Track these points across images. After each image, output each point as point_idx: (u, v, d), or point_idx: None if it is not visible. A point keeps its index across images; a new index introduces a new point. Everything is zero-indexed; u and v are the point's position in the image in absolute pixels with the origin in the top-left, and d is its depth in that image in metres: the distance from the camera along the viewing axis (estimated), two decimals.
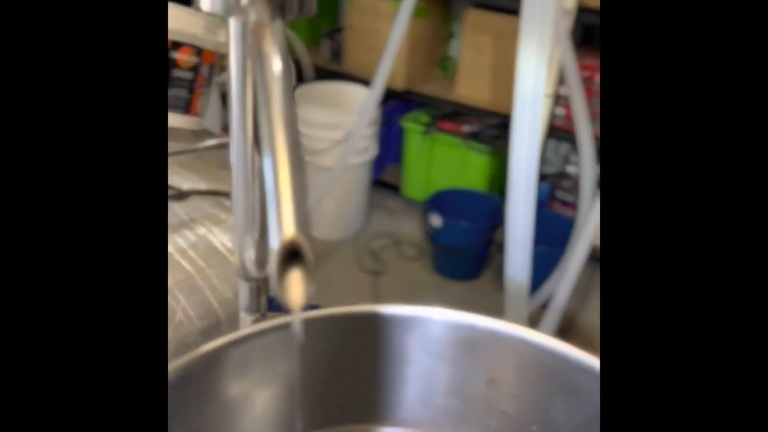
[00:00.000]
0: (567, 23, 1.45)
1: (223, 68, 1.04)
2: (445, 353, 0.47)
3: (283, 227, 0.32)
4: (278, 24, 0.38)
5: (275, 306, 0.51)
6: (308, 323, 0.41)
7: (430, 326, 0.47)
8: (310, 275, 0.33)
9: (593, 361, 0.44)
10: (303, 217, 0.32)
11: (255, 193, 0.53)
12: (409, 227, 1.99)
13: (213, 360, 0.43)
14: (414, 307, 0.47)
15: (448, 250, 1.81)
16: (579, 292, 1.44)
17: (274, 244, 0.32)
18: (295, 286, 0.33)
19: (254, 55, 0.40)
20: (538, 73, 1.27)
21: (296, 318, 0.39)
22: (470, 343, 0.46)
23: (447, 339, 0.47)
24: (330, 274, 1.81)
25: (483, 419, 0.48)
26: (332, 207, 1.90)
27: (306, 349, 0.42)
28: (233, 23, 0.44)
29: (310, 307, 0.50)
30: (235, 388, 0.46)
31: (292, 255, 0.32)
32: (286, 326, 0.45)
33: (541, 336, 0.44)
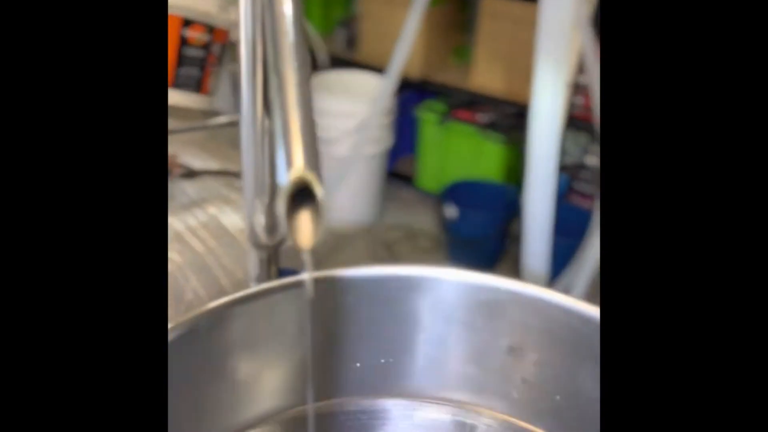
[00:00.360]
0: (587, 10, 1.42)
1: (234, 58, 1.02)
2: (462, 317, 0.45)
3: (293, 163, 0.30)
4: None
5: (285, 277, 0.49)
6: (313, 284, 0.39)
7: (445, 288, 0.44)
8: (321, 214, 0.31)
9: None
10: (313, 154, 0.30)
11: (264, 155, 0.51)
12: (424, 219, 1.96)
13: (218, 319, 0.41)
14: (427, 267, 0.45)
15: (464, 241, 1.78)
16: (597, 283, 1.41)
17: (283, 180, 0.30)
18: (305, 226, 0.31)
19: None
20: (557, 61, 1.25)
21: (307, 276, 0.37)
22: (489, 306, 0.44)
23: (463, 302, 0.44)
24: (344, 266, 1.79)
25: (502, 389, 0.45)
26: (346, 198, 1.87)
27: (310, 313, 0.40)
28: None
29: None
30: (240, 353, 0.44)
31: (301, 193, 0.30)
32: (295, 285, 0.43)
33: (566, 298, 0.42)
